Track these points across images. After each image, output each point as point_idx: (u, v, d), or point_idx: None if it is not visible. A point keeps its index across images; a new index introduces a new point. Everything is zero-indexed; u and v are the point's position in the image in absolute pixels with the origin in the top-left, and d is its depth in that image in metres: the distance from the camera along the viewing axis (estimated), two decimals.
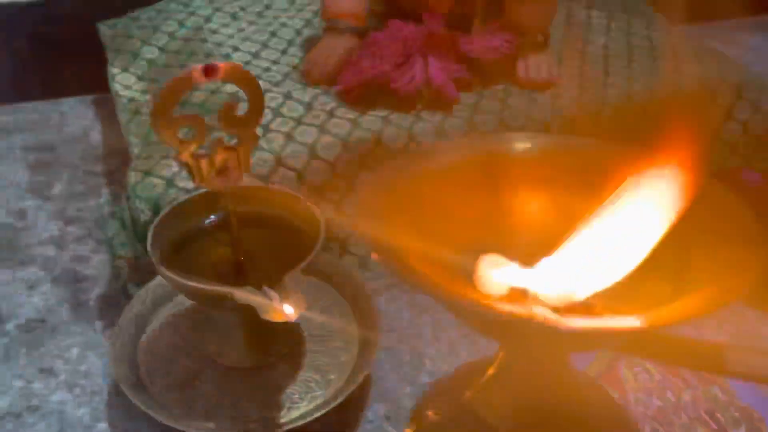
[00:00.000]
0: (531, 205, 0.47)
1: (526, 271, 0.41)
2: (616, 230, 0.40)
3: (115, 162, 0.82)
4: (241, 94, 0.48)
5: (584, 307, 0.41)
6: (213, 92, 0.70)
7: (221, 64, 0.45)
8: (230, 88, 0.68)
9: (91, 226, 0.73)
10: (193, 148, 0.46)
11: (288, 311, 0.44)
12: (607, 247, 0.40)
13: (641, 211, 0.40)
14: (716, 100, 0.75)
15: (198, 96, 0.69)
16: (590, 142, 0.49)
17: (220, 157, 0.47)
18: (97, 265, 0.68)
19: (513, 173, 0.47)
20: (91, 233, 0.72)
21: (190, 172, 0.47)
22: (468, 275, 0.40)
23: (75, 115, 0.92)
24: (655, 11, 0.91)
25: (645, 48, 0.80)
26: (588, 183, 0.44)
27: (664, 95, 0.73)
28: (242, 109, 0.48)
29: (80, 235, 0.72)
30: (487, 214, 0.46)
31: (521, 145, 0.48)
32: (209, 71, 0.44)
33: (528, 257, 0.41)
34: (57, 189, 0.78)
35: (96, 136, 0.88)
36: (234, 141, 0.48)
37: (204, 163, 0.47)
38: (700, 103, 0.73)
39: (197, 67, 0.44)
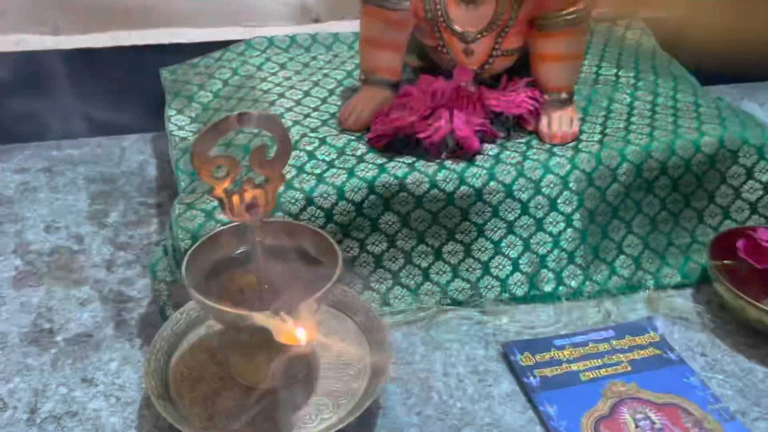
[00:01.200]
0: None
1: None
2: None
3: (167, 194, 0.89)
4: None
5: None
6: (256, 135, 0.76)
7: (254, 113, 0.51)
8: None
9: (139, 252, 0.80)
10: (226, 185, 0.52)
11: (300, 336, 0.49)
12: None
13: None
14: (738, 160, 0.77)
15: (240, 138, 0.76)
16: None
17: (249, 194, 0.53)
18: (140, 288, 0.74)
19: None
20: (138, 259, 0.79)
21: (222, 206, 0.53)
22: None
23: (134, 150, 1.00)
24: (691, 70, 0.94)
25: (669, 107, 0.83)
26: None
27: (683, 152, 0.75)
28: (272, 152, 0.54)
29: (129, 260, 0.78)
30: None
31: None
32: (242, 119, 0.50)
33: None
34: (112, 217, 0.86)
35: (152, 170, 0.95)
36: (263, 180, 0.54)
37: (235, 199, 0.53)
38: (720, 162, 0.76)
39: (233, 115, 0.50)
